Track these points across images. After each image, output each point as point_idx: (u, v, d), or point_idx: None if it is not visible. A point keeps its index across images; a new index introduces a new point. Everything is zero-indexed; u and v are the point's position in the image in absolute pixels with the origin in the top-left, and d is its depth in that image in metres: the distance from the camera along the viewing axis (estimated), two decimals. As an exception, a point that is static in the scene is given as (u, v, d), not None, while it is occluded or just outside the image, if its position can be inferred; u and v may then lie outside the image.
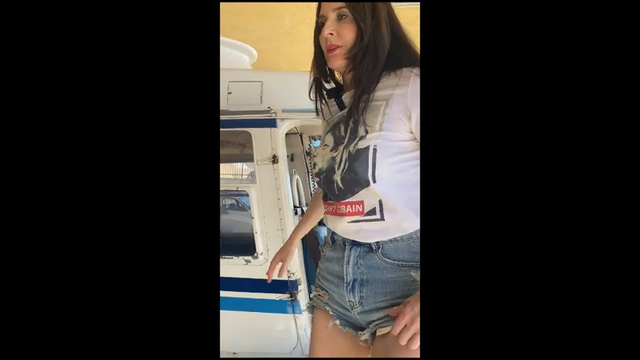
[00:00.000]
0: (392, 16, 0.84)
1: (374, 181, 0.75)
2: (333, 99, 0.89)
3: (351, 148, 0.77)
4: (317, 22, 0.85)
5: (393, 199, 0.76)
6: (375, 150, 0.75)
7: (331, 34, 0.79)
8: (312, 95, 0.92)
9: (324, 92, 0.92)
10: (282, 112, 1.66)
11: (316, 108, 0.93)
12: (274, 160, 1.65)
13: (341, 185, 0.79)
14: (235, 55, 1.96)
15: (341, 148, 0.80)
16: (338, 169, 0.79)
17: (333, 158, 0.80)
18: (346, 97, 0.85)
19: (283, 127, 1.67)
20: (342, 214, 0.81)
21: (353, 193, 0.78)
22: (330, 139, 0.85)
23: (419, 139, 0.76)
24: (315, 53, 0.89)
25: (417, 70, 0.77)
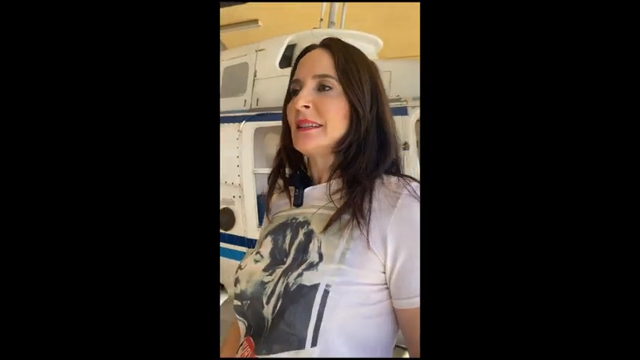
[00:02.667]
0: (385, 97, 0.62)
1: (313, 344, 0.48)
2: (293, 189, 0.64)
3: (290, 278, 0.52)
4: (288, 89, 0.63)
5: None
6: (326, 293, 0.49)
7: (307, 106, 0.58)
8: (270, 181, 0.68)
9: (289, 179, 0.67)
10: (412, 99, 1.69)
11: (267, 200, 0.69)
12: (405, 147, 1.68)
13: (267, 331, 0.52)
14: (361, 46, 2.01)
15: (278, 272, 0.54)
16: (268, 303, 0.53)
17: (263, 285, 0.55)
18: (313, 193, 0.62)
19: (414, 115, 1.70)
20: None
21: (270, 351, 0.51)
22: (266, 247, 0.60)
23: (394, 295, 0.52)
24: (282, 130, 0.66)
25: (414, 187, 0.54)
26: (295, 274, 0.52)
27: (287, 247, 0.57)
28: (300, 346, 0.49)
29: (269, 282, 0.54)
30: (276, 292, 0.52)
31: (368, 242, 0.51)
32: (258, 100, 2.19)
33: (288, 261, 0.55)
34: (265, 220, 0.70)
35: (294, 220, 0.60)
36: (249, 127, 2.10)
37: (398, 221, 0.52)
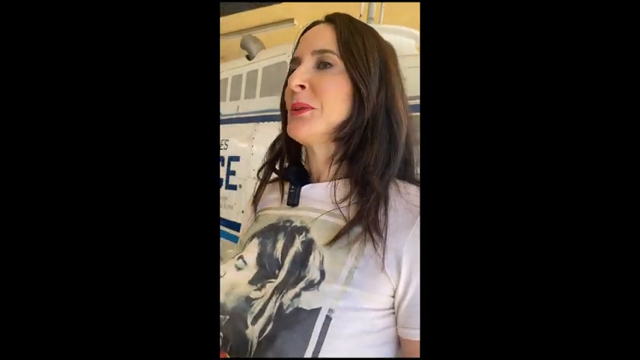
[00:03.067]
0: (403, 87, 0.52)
1: None
2: (288, 185, 0.55)
3: (285, 299, 0.44)
4: (289, 70, 0.53)
5: None
6: (327, 319, 0.41)
7: (302, 86, 0.49)
8: (262, 174, 0.58)
9: (283, 171, 0.57)
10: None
11: (256, 195, 0.58)
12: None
13: (254, 349, 0.43)
14: (401, 40, 1.97)
15: (269, 288, 0.46)
16: (254, 324, 0.44)
17: (249, 301, 0.46)
18: (312, 192, 0.52)
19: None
20: None
21: None
22: (252, 253, 0.50)
23: (403, 323, 0.44)
24: (281, 116, 0.57)
25: None
26: (292, 293, 0.44)
27: (279, 257, 0.48)
28: None
29: (257, 299, 0.45)
30: (267, 314, 0.44)
31: (383, 263, 0.44)
32: (296, 98, 2.21)
33: (282, 275, 0.46)
34: (249, 216, 0.59)
35: (287, 224, 0.51)
36: (287, 126, 2.11)
37: (416, 241, 0.44)
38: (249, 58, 2.66)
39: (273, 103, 2.32)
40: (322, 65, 0.49)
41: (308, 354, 0.41)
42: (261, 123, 2.22)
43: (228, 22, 3.05)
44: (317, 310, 0.42)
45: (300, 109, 0.49)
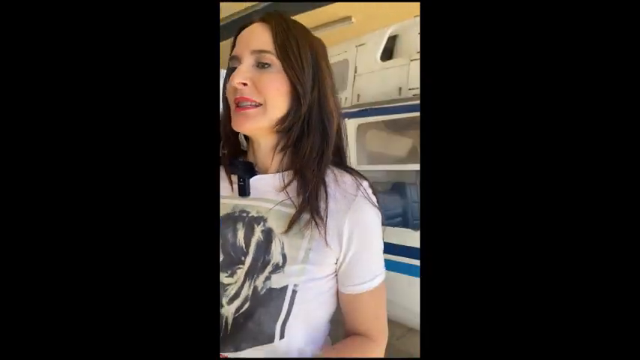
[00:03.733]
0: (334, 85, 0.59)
1: (281, 337, 0.53)
2: (235, 176, 0.59)
3: (259, 281, 0.53)
4: (228, 67, 0.57)
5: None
6: (294, 292, 0.53)
7: (244, 84, 0.53)
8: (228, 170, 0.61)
9: (230, 164, 0.61)
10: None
11: None
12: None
13: (229, 326, 0.54)
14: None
15: (239, 273, 0.54)
16: (229, 304, 0.54)
17: (223, 286, 0.55)
18: (261, 183, 0.58)
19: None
20: None
21: (238, 349, 0.53)
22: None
23: (342, 282, 0.57)
24: (223, 114, 0.60)
25: (365, 186, 0.57)
26: (262, 277, 0.54)
27: (243, 245, 0.56)
28: (270, 340, 0.53)
29: (231, 284, 0.55)
30: (242, 295, 0.54)
31: (326, 241, 0.54)
32: (359, 96, 2.15)
33: (248, 261, 0.55)
34: None
35: (244, 214, 0.57)
36: (351, 125, 2.07)
37: (352, 221, 0.55)
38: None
39: (336, 102, 2.28)
40: (261, 65, 0.54)
41: (279, 321, 0.53)
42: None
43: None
44: (285, 288, 0.53)
45: (245, 105, 0.54)
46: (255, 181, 0.59)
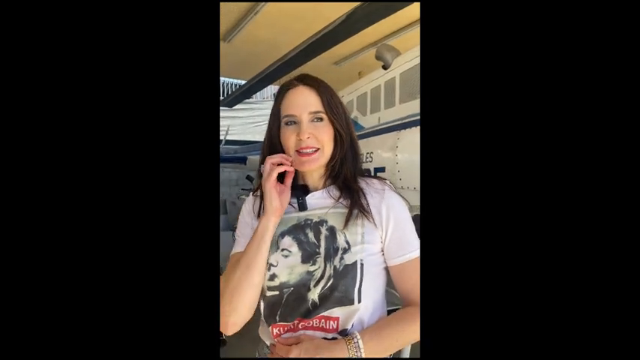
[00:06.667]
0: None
1: (359, 301, 0.70)
2: (292, 198, 0.78)
3: (336, 262, 0.71)
4: (277, 114, 0.78)
5: (372, 320, 0.72)
6: (362, 265, 0.71)
7: (309, 137, 0.74)
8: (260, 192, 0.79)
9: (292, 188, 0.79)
10: None
11: (260, 207, 0.79)
12: None
13: (317, 302, 0.71)
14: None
15: (319, 261, 0.72)
16: (315, 285, 0.71)
17: (310, 273, 0.72)
18: (314, 199, 0.79)
19: None
20: (307, 328, 0.71)
21: (327, 309, 0.70)
22: (291, 245, 0.75)
23: (388, 256, 0.74)
24: (270, 150, 0.79)
25: (388, 182, 0.80)
26: (337, 258, 0.71)
27: (315, 241, 0.74)
28: (351, 303, 0.70)
29: (315, 270, 0.71)
30: (326, 275, 0.70)
31: (374, 223, 0.73)
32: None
33: (322, 250, 0.72)
34: (251, 222, 0.82)
35: (308, 221, 0.76)
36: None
37: (386, 206, 0.75)
38: (385, 67, 2.64)
39: (413, 108, 2.22)
40: (316, 120, 0.76)
41: (356, 287, 0.69)
42: (402, 130, 2.15)
43: (361, 37, 3.11)
44: (355, 262, 0.70)
45: (307, 152, 0.75)
46: (309, 198, 0.80)
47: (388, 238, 0.74)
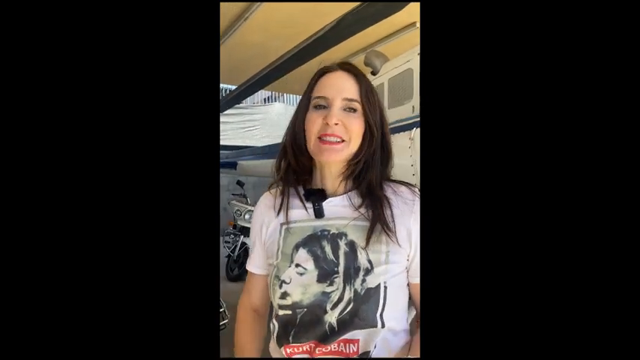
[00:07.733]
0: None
1: (382, 325, 0.63)
2: (307, 202, 0.70)
3: (357, 285, 0.63)
4: (308, 97, 0.69)
5: (397, 339, 0.65)
6: (385, 288, 0.63)
7: (337, 124, 0.65)
8: (278, 199, 0.72)
9: (302, 195, 0.71)
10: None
11: (280, 209, 0.72)
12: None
13: (335, 327, 0.63)
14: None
15: (338, 281, 0.63)
16: (333, 309, 0.63)
17: (326, 294, 0.63)
18: (332, 204, 0.69)
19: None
20: (325, 354, 0.63)
21: (347, 332, 0.63)
22: (307, 260, 0.66)
23: (414, 274, 0.67)
24: (293, 138, 0.70)
25: (418, 191, 0.69)
26: (359, 280, 0.63)
27: (333, 258, 0.65)
28: (372, 326, 0.62)
29: (333, 291, 0.63)
30: (345, 298, 0.62)
31: (398, 242, 0.65)
32: (426, 104, 2.10)
33: (341, 270, 0.64)
34: (276, 228, 0.73)
35: (325, 232, 0.67)
36: (418, 133, 2.02)
37: (416, 222, 0.66)
38: (373, 73, 2.67)
39: (400, 113, 2.25)
40: (349, 109, 0.66)
41: (378, 312, 0.62)
42: (392, 135, 2.18)
43: (350, 43, 3.14)
44: (378, 286, 0.63)
45: (331, 140, 0.65)
46: (327, 204, 0.69)
47: (415, 257, 0.66)
